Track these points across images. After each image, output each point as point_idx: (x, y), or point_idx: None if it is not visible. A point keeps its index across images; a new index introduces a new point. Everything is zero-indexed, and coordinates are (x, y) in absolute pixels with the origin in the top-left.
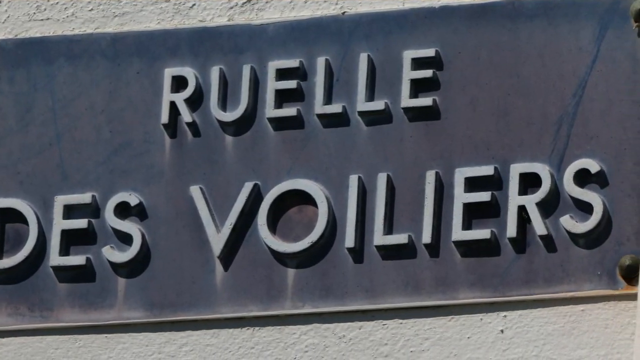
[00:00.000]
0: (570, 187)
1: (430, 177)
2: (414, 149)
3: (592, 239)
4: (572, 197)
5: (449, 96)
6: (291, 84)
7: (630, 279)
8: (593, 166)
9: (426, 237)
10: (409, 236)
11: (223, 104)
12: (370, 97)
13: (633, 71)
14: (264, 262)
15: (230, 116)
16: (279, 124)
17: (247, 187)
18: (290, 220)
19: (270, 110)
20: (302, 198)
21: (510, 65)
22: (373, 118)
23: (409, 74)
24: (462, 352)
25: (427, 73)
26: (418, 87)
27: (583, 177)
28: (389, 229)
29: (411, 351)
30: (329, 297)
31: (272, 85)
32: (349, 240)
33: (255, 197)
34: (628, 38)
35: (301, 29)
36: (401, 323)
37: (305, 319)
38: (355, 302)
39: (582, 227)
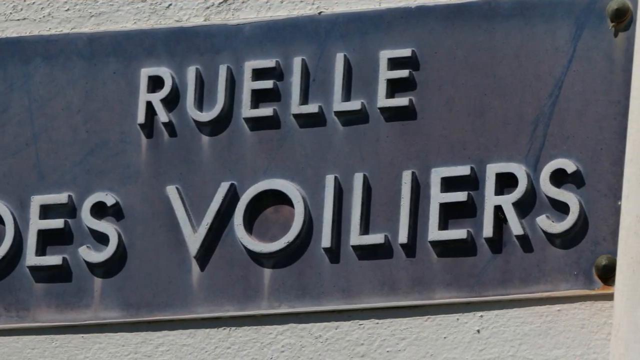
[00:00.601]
0: (546, 187)
1: (406, 177)
2: (390, 149)
3: (569, 239)
4: (548, 197)
5: (425, 96)
6: (267, 84)
7: (606, 279)
8: (569, 166)
9: (402, 237)
10: (385, 236)
11: (199, 104)
12: (347, 97)
13: (609, 71)
14: (240, 262)
15: (206, 116)
16: (255, 124)
17: (224, 187)
18: (267, 220)
19: (246, 110)
20: (279, 198)
21: (486, 66)
22: (349, 118)
23: (385, 74)
24: (438, 352)
25: (404, 73)
26: (394, 87)
27: (559, 177)
28: (365, 229)
29: (387, 351)
30: (305, 297)
31: (248, 85)
32: (325, 241)
33: (232, 197)
34: (604, 38)
35: (277, 29)
36: (377, 323)
37: (281, 319)
38: (332, 302)
39: (559, 227)
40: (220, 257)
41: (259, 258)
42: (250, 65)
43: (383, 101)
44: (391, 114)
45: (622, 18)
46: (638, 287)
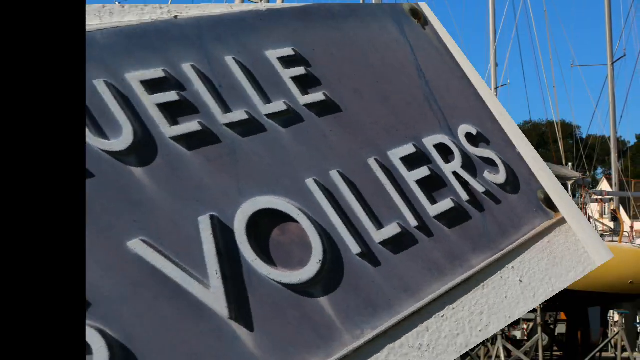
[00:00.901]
0: (471, 149)
1: (374, 164)
2: (342, 141)
3: (513, 185)
4: (477, 157)
5: (334, 89)
6: (170, 96)
7: (552, 207)
8: (472, 129)
9: (412, 221)
10: (399, 224)
11: (99, 132)
12: (266, 99)
13: (439, 54)
14: (285, 302)
15: (118, 144)
16: (190, 141)
17: (205, 223)
18: (280, 244)
19: (167, 129)
20: (272, 217)
21: (359, 58)
22: (284, 119)
23: (285, 72)
24: (512, 312)
25: (301, 70)
26: (302, 84)
27: (473, 139)
28: (378, 224)
29: (480, 330)
30: (378, 311)
31: (147, 100)
32: (353, 246)
33: (222, 231)
34: (420, 31)
35: (139, 35)
36: (454, 308)
37: (374, 346)
38: (405, 307)
39: (500, 177)
40: (260, 306)
41: (302, 289)
42: (133, 77)
43: (302, 98)
44: (318, 109)
45: (418, 16)
46: (572, 206)
